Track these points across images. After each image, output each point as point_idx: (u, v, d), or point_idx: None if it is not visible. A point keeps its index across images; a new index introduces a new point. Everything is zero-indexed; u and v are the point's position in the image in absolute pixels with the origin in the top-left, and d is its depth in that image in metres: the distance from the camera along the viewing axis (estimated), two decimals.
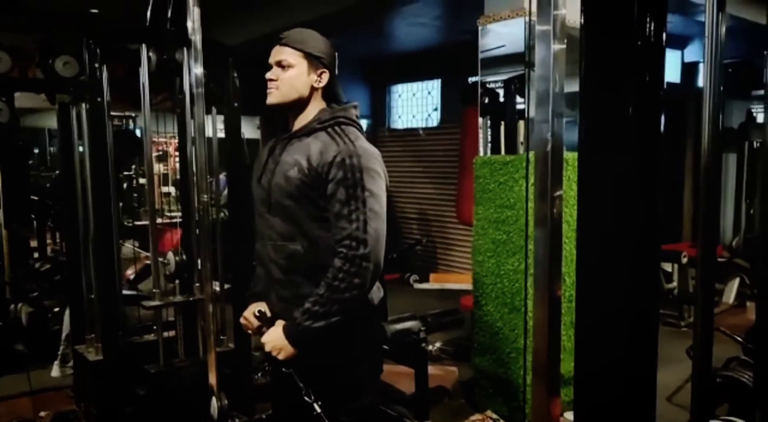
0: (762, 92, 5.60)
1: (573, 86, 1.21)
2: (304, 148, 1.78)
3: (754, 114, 6.96)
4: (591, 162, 1.20)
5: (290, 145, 1.83)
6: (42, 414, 3.37)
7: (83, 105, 3.10)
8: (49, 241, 6.35)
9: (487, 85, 3.77)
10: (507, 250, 3.32)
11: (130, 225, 7.14)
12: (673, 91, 6.36)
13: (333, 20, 5.45)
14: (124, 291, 3.26)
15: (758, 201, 3.85)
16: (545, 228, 1.32)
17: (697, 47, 6.56)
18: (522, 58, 3.48)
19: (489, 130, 3.90)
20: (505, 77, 3.69)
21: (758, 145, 6.54)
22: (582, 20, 1.16)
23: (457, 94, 6.13)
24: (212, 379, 2.21)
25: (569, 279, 2.75)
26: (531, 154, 1.52)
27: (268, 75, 1.82)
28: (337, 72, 1.87)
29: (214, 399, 2.20)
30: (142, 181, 8.23)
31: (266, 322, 1.85)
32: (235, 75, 3.13)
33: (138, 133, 6.62)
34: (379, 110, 8.86)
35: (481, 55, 3.70)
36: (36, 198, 6.02)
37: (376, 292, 1.87)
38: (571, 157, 2.65)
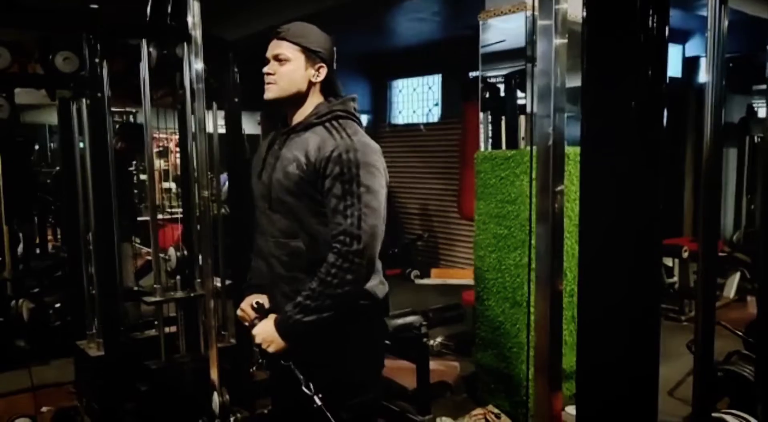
0: (763, 87, 5.59)
1: (574, 81, 1.21)
2: (303, 144, 1.77)
3: (755, 108, 6.95)
4: (593, 157, 1.19)
5: (289, 140, 1.83)
6: (43, 409, 3.37)
7: (83, 100, 3.10)
8: (49, 237, 6.34)
9: (488, 80, 3.77)
10: (508, 245, 3.32)
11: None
12: (674, 86, 6.35)
13: (333, 15, 5.44)
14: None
15: (759, 195, 3.85)
16: (547, 223, 1.32)
17: (698, 41, 6.55)
18: (523, 53, 3.49)
19: (490, 125, 3.91)
20: (505, 72, 3.69)
21: (759, 139, 6.54)
22: (584, 14, 1.16)
23: (457, 89, 6.12)
24: (213, 375, 2.22)
25: (570, 274, 2.76)
26: (533, 149, 1.51)
27: (266, 69, 1.81)
28: (335, 66, 1.86)
29: (215, 395, 2.21)
30: (143, 176, 8.21)
31: (263, 314, 1.84)
32: (236, 70, 3.12)
33: None
34: (380, 105, 8.83)
35: (481, 50, 3.70)
36: (37, 193, 6.00)
37: (381, 287, 1.86)
38: (572, 151, 2.66)
